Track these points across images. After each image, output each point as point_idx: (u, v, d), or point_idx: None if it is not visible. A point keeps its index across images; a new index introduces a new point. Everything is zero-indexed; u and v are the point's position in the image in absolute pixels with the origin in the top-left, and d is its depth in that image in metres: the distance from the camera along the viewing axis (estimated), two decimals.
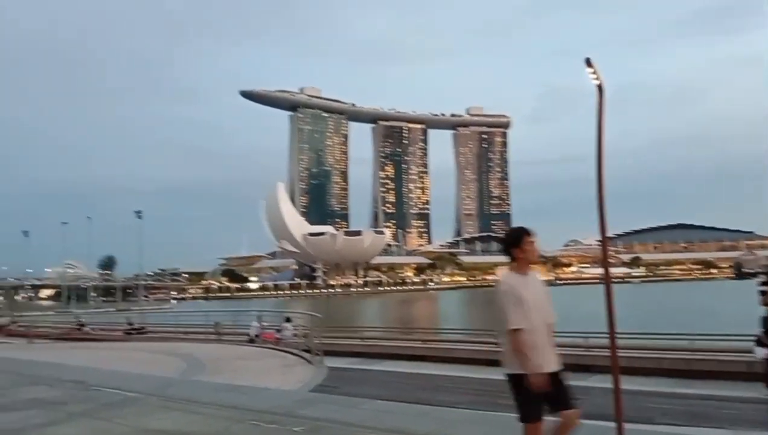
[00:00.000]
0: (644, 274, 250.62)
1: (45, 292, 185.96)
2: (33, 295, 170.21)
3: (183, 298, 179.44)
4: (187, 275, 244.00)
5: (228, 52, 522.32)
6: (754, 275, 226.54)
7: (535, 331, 4.58)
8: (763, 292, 9.52)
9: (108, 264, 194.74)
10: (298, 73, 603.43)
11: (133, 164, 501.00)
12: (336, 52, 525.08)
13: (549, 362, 4.61)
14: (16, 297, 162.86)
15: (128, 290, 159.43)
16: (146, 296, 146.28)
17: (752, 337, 15.58)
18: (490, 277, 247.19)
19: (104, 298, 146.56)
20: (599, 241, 6.12)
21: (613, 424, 5.35)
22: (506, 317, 4.58)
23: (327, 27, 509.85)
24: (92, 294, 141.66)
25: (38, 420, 7.80)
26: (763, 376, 9.97)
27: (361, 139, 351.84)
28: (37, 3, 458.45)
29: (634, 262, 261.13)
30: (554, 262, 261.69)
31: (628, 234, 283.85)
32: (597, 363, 17.00)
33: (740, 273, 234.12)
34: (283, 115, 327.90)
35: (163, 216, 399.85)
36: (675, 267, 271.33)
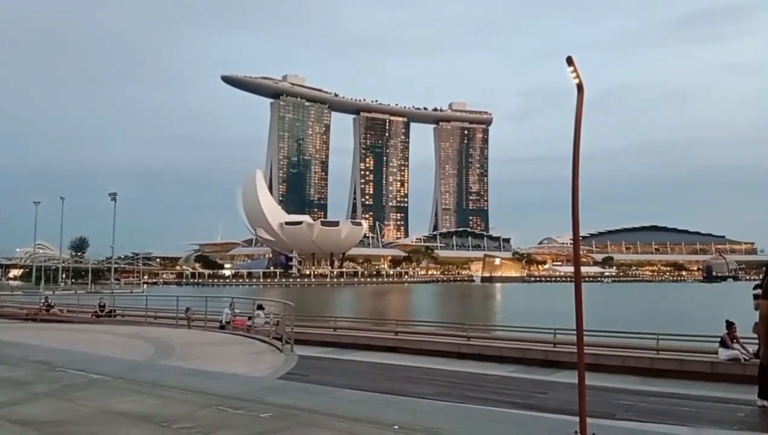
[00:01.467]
0: (616, 273, 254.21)
1: (13, 272, 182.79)
2: (1, 274, 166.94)
3: (155, 283, 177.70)
4: (159, 260, 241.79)
5: (213, 39, 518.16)
6: (723, 279, 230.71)
7: None
8: (755, 296, 9.79)
9: (80, 246, 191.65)
10: (283, 63, 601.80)
11: (111, 147, 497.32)
12: (323, 43, 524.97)
13: None
14: None
15: (99, 273, 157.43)
16: (117, 280, 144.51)
17: (716, 339, 15.98)
18: (464, 272, 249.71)
19: (74, 281, 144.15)
20: (573, 239, 6.16)
21: (576, 418, 5.43)
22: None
23: (315, 17, 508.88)
24: (62, 275, 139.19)
25: (0, 399, 7.67)
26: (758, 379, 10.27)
27: (343, 129, 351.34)
28: None
29: (607, 262, 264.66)
30: (528, 260, 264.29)
31: (601, 234, 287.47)
32: (564, 359, 17.29)
33: (710, 276, 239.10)
34: (265, 103, 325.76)
35: (139, 199, 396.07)
36: (646, 268, 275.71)
